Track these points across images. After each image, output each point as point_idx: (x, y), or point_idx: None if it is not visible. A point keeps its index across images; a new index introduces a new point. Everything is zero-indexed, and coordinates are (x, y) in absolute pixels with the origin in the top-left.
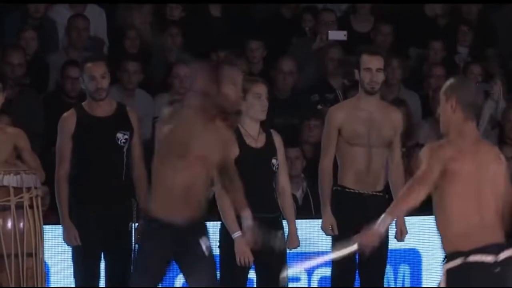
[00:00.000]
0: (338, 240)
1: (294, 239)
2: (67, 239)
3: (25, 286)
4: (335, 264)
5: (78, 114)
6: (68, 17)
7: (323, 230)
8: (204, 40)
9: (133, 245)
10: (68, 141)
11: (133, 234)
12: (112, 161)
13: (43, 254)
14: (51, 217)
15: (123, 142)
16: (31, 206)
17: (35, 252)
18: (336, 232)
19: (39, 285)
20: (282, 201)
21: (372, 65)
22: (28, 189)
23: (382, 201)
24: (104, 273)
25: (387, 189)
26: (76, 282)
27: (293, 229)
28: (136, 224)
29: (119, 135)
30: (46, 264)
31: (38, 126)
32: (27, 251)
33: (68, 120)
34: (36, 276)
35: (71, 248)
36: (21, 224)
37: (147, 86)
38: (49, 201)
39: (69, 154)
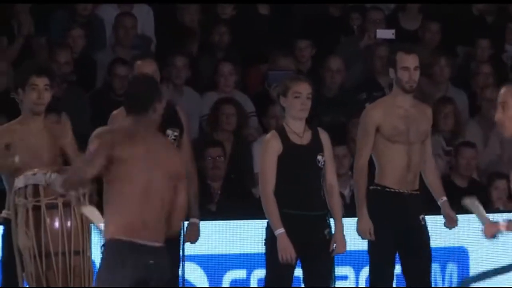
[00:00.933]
0: (376, 244)
1: (340, 240)
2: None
3: (71, 284)
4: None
5: None
6: (115, 16)
7: (359, 234)
8: (253, 38)
9: (181, 241)
10: None
11: (182, 232)
12: None
13: (90, 252)
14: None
15: (173, 139)
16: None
17: (82, 250)
18: (373, 238)
19: (86, 283)
20: (329, 199)
21: (409, 64)
22: None
23: (419, 199)
24: None
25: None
26: None
27: (339, 228)
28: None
29: (169, 131)
30: (93, 262)
31: (85, 124)
32: (74, 249)
33: (118, 118)
34: (83, 274)
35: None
36: (69, 223)
37: (195, 84)
38: (96, 199)
39: None
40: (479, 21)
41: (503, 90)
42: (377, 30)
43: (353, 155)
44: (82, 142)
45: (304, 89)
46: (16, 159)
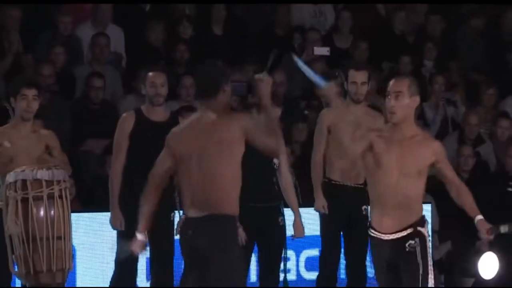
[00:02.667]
0: (325, 222)
1: (299, 227)
2: (113, 224)
3: (54, 264)
4: (323, 245)
5: (136, 116)
6: (91, 35)
7: (316, 210)
8: (209, 55)
9: (174, 234)
10: (126, 138)
11: (174, 224)
12: None
13: (71, 237)
14: (76, 206)
15: None
16: (60, 196)
17: (64, 236)
18: (327, 212)
19: (67, 265)
20: (287, 193)
21: (357, 79)
22: (58, 181)
23: (363, 192)
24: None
25: None
26: (116, 269)
27: (297, 217)
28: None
29: None
30: (73, 246)
31: (66, 128)
32: (57, 235)
33: (127, 121)
34: (64, 256)
35: (116, 234)
36: (52, 212)
37: None
38: (75, 192)
39: (125, 150)
40: (401, 41)
41: (397, 81)
42: (314, 47)
43: (295, 155)
44: (63, 142)
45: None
46: (7, 144)
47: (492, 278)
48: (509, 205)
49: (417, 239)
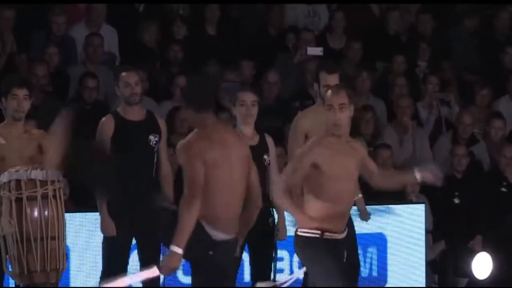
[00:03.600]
0: None
1: (282, 228)
2: (104, 231)
3: (48, 265)
4: None
5: (115, 119)
6: (85, 36)
7: None
8: (202, 55)
9: None
10: (108, 142)
11: None
12: (145, 160)
13: (65, 237)
14: (69, 206)
15: (154, 144)
16: (54, 197)
17: (58, 236)
18: None
19: (61, 265)
20: (273, 193)
21: (330, 82)
22: (52, 182)
23: None
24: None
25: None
26: (105, 269)
27: (281, 219)
28: None
29: (151, 137)
30: (67, 247)
31: None
32: (51, 235)
33: (107, 124)
34: (58, 256)
35: (103, 237)
36: (46, 212)
37: (152, 94)
38: (68, 192)
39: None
40: (395, 41)
41: (338, 93)
42: (308, 47)
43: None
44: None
45: (248, 97)
46: (1, 140)
47: (486, 278)
48: (503, 204)
49: None
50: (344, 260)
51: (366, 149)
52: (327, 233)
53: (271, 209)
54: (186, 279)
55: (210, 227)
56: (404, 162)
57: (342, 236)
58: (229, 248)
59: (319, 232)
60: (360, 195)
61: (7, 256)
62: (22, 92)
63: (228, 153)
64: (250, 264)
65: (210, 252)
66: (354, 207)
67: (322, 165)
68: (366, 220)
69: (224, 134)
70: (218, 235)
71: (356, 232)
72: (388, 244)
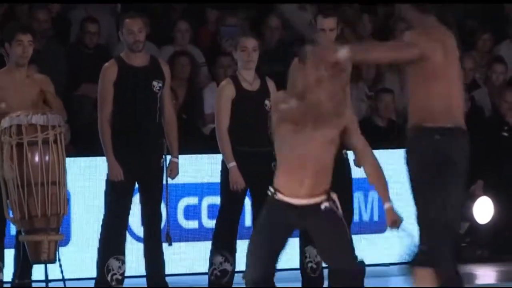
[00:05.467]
0: None
1: None
2: (112, 175)
3: (49, 209)
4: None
5: (118, 64)
6: None
7: None
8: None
9: (164, 179)
10: (110, 88)
11: (164, 169)
12: (148, 105)
13: (66, 182)
14: (71, 151)
15: (158, 89)
16: (55, 142)
17: (58, 181)
18: None
19: (61, 210)
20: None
21: (325, 26)
22: (53, 127)
23: None
24: (140, 204)
25: None
26: (107, 212)
27: None
28: (168, 160)
29: (154, 83)
30: (68, 192)
31: (61, 73)
32: (51, 179)
33: (110, 70)
34: (59, 201)
35: (105, 182)
36: (47, 157)
37: (153, 39)
38: (69, 137)
39: (111, 99)
40: None
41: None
42: None
43: None
44: (58, 86)
45: (249, 43)
46: (3, 105)
47: (487, 223)
48: (504, 148)
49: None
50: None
51: (355, 120)
52: (279, 194)
53: (273, 153)
54: (188, 224)
55: None
56: (406, 106)
57: (299, 202)
58: None
59: (272, 190)
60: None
61: (8, 202)
62: (26, 38)
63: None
64: (252, 208)
65: None
66: None
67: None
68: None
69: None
70: None
71: (357, 177)
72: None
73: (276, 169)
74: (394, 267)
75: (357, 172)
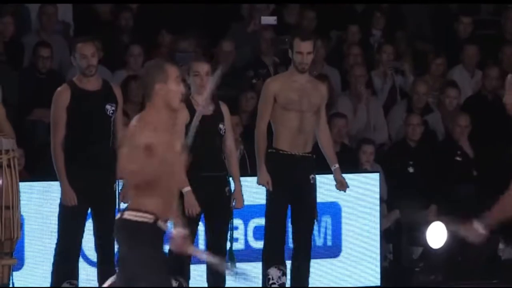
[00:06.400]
0: (271, 195)
1: (239, 197)
2: (65, 200)
3: (3, 233)
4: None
5: (71, 88)
6: (39, 5)
7: (260, 184)
8: (156, 25)
9: (117, 203)
10: (63, 112)
11: (117, 194)
12: (102, 129)
13: (19, 207)
14: (25, 176)
15: (111, 113)
16: (9, 166)
17: (12, 205)
18: (271, 188)
19: (15, 234)
20: (229, 161)
21: (303, 49)
22: (7, 151)
23: (311, 161)
24: (92, 228)
25: (314, 150)
26: (60, 237)
27: (238, 187)
28: (120, 185)
29: (108, 106)
30: (21, 216)
31: (13, 98)
32: (5, 204)
33: (63, 94)
34: (12, 226)
35: (58, 206)
36: (0, 181)
37: (106, 63)
38: (24, 162)
39: (64, 123)
40: (349, 10)
41: None
42: (262, 17)
43: (243, 124)
44: (10, 111)
45: (201, 68)
46: None
47: (441, 247)
48: (457, 173)
49: None
50: None
51: None
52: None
53: (227, 177)
54: None
55: None
56: (359, 131)
57: None
58: None
59: None
60: (337, 165)
61: None
62: None
63: None
64: (205, 233)
65: None
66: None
67: None
68: (344, 191)
69: None
70: None
71: None
72: (343, 214)
73: None
74: None
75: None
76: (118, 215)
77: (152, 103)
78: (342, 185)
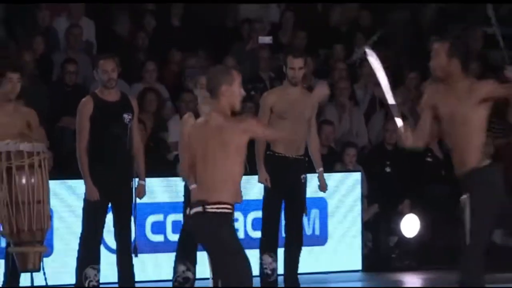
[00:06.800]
0: (268, 192)
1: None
2: (89, 196)
3: (34, 224)
4: (265, 214)
5: (94, 100)
6: (67, 26)
7: (260, 182)
8: (168, 43)
9: (133, 199)
10: (87, 120)
11: (133, 190)
12: (120, 135)
13: (49, 201)
14: (54, 174)
15: (128, 121)
16: (40, 166)
17: (43, 200)
18: (269, 185)
19: (45, 225)
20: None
21: (295, 65)
22: (38, 153)
23: (303, 162)
24: (112, 221)
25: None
26: (84, 227)
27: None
28: (136, 182)
29: (125, 115)
30: (50, 209)
31: (44, 107)
32: (36, 199)
33: (87, 104)
34: (43, 218)
35: (83, 201)
36: (33, 180)
37: (124, 77)
38: (52, 162)
39: (87, 130)
40: (335, 31)
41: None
42: (259, 37)
43: None
44: (42, 119)
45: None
46: None
47: (414, 237)
48: (428, 172)
49: None
50: None
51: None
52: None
53: None
54: (156, 238)
55: None
56: (343, 136)
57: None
58: None
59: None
60: (321, 169)
61: None
62: (15, 76)
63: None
64: None
65: None
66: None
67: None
68: (324, 191)
69: None
70: None
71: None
72: (329, 207)
73: None
74: (332, 275)
75: (316, 192)
76: (200, 209)
77: (217, 102)
78: (323, 187)
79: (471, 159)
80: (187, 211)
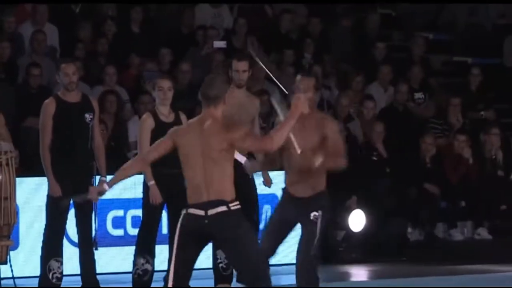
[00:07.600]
0: None
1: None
2: (52, 192)
3: (1, 220)
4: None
5: (56, 101)
6: (32, 32)
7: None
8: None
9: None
10: (50, 120)
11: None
12: (82, 134)
13: (15, 198)
14: (20, 172)
15: (89, 121)
16: (7, 164)
17: (10, 196)
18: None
19: (12, 220)
20: None
21: (239, 68)
22: (5, 152)
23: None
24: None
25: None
26: (48, 222)
27: None
28: (97, 179)
29: (86, 115)
30: (17, 205)
31: (11, 109)
32: (4, 195)
33: (50, 105)
34: (10, 213)
35: (46, 197)
36: (0, 177)
37: (86, 80)
38: (19, 161)
39: (50, 129)
40: (286, 37)
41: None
42: (214, 42)
43: None
44: (8, 119)
45: (165, 84)
46: None
47: (360, 231)
48: (373, 170)
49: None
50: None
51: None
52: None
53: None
54: (115, 232)
55: None
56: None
57: (200, 212)
58: None
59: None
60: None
61: None
62: None
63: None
64: (168, 220)
65: None
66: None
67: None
68: (269, 187)
69: None
70: None
71: (266, 193)
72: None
73: None
74: (284, 267)
75: (266, 189)
76: (224, 208)
77: (217, 109)
78: (267, 182)
79: None
80: (198, 212)
